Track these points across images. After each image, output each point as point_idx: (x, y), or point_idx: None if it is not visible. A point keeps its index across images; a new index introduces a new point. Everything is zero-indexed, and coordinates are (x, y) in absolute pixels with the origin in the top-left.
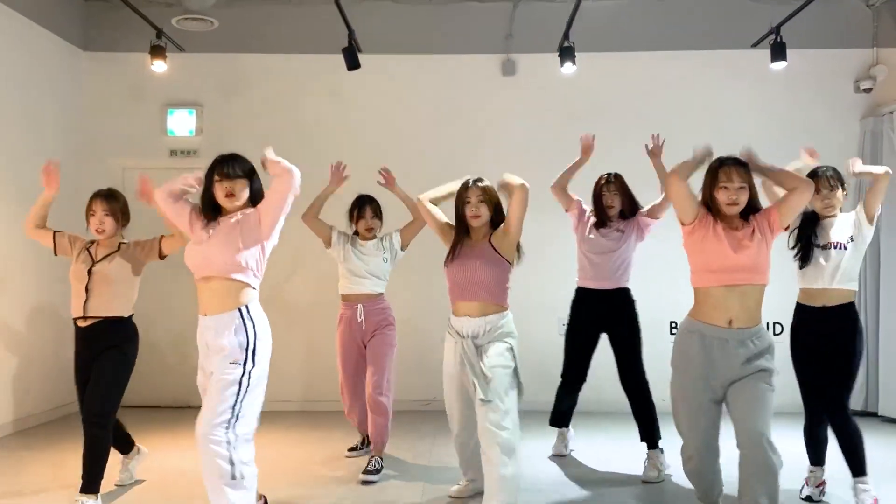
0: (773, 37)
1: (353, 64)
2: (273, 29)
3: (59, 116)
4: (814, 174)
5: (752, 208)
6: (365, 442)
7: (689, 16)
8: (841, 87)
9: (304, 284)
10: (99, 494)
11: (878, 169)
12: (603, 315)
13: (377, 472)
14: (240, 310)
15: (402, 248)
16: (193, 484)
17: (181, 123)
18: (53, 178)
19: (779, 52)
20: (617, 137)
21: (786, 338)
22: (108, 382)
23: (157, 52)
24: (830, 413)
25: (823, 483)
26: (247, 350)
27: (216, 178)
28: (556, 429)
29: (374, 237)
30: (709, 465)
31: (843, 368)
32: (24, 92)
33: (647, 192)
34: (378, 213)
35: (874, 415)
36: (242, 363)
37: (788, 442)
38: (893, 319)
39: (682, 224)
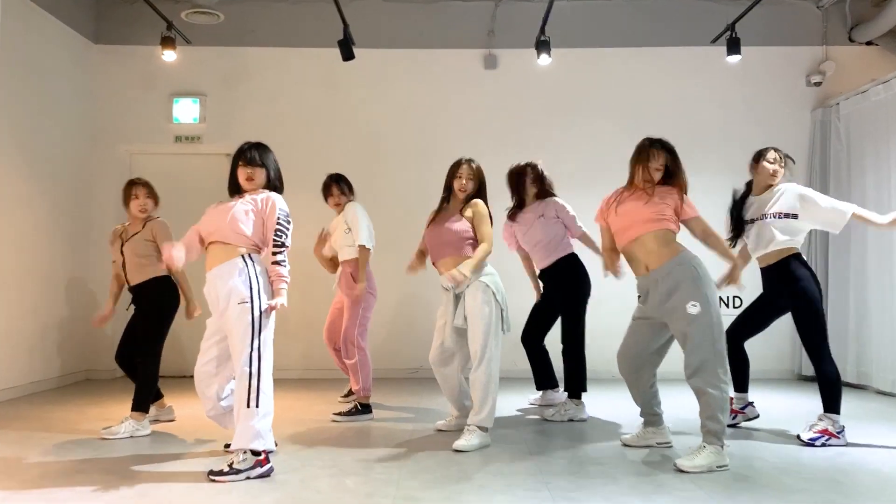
0: (729, 33)
1: (347, 55)
2: (272, 24)
3: (71, 105)
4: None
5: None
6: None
7: (655, 14)
8: (793, 82)
9: (296, 259)
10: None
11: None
12: (550, 289)
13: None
14: (242, 256)
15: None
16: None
17: (186, 111)
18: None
19: (733, 47)
20: (589, 127)
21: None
22: None
23: (167, 42)
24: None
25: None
26: (251, 289)
27: (240, 163)
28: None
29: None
30: (626, 368)
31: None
32: (39, 81)
33: (614, 184)
34: (343, 191)
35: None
36: (250, 301)
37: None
38: (839, 295)
39: None
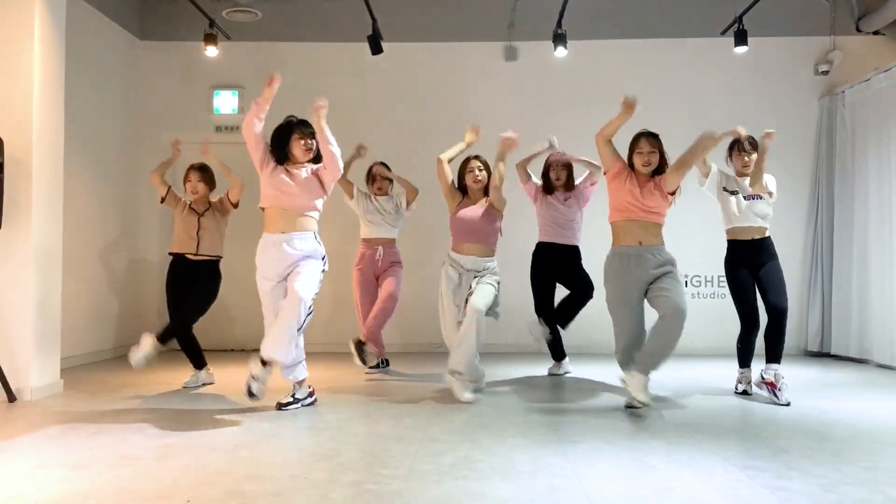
0: (736, 25)
1: (376, 50)
2: (306, 20)
3: (120, 97)
4: (737, 140)
5: (661, 170)
6: (384, 362)
7: (667, 6)
8: (801, 71)
9: (328, 236)
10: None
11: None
12: (559, 265)
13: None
14: (314, 233)
15: (407, 207)
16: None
17: (225, 103)
18: (176, 149)
19: (741, 39)
20: (604, 117)
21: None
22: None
23: (209, 39)
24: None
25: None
26: (323, 258)
27: (297, 135)
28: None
29: (386, 194)
30: (637, 346)
31: (780, 281)
32: (91, 75)
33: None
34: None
35: (828, 354)
36: (322, 261)
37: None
38: (843, 275)
39: (605, 173)
